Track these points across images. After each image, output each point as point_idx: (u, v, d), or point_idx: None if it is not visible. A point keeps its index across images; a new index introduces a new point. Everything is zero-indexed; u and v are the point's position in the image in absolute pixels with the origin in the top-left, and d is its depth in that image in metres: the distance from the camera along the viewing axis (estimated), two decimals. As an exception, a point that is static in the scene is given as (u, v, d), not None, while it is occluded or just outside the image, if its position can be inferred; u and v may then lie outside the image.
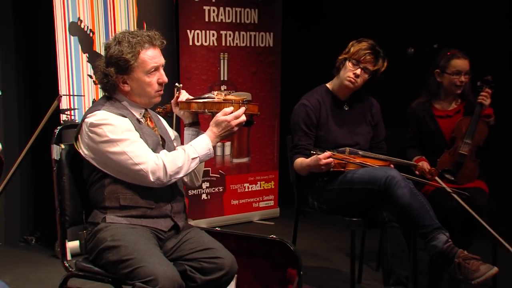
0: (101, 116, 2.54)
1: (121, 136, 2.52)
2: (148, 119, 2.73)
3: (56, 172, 2.68)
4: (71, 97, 4.31)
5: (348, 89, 3.58)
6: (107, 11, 4.45)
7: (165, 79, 2.66)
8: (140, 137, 2.58)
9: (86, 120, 2.57)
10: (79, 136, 2.61)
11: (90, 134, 2.54)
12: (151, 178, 2.51)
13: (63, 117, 4.28)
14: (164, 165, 2.52)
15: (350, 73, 3.50)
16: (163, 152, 2.59)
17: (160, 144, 2.69)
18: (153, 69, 2.61)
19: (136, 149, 2.52)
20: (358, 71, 3.48)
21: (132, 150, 2.51)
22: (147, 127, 2.68)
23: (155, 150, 2.60)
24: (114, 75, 2.59)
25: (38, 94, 4.86)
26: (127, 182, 2.56)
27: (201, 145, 2.61)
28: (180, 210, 2.70)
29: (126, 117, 2.58)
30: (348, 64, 3.51)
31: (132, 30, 2.76)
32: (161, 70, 2.65)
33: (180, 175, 2.56)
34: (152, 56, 2.61)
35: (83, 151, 2.59)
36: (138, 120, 2.65)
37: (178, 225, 2.67)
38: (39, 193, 4.94)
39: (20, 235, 4.89)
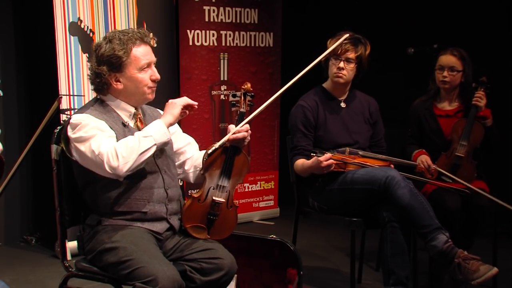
0: (78, 117, 2.54)
1: (91, 133, 2.49)
2: (138, 120, 2.69)
3: (56, 172, 2.68)
4: (71, 97, 4.31)
5: (340, 85, 3.59)
6: (107, 11, 4.45)
7: (158, 76, 2.65)
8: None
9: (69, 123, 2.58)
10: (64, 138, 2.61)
11: (68, 135, 2.55)
12: (106, 167, 2.43)
13: (63, 117, 4.27)
14: (115, 149, 2.44)
15: (334, 68, 3.53)
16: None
17: None
18: (145, 66, 2.60)
19: (96, 140, 2.47)
20: (341, 64, 3.50)
21: (94, 142, 2.47)
22: (134, 129, 2.64)
23: None
24: (106, 74, 2.58)
25: (38, 94, 4.86)
26: (119, 188, 2.54)
27: (151, 125, 2.55)
28: (175, 211, 2.68)
29: (105, 121, 2.56)
30: (331, 62, 3.54)
31: (121, 29, 2.74)
32: (153, 67, 2.64)
33: (134, 155, 2.44)
34: (144, 53, 2.60)
35: (70, 153, 2.58)
36: (123, 123, 2.62)
37: (174, 227, 2.67)
38: (39, 193, 4.94)
39: (20, 235, 4.89)
